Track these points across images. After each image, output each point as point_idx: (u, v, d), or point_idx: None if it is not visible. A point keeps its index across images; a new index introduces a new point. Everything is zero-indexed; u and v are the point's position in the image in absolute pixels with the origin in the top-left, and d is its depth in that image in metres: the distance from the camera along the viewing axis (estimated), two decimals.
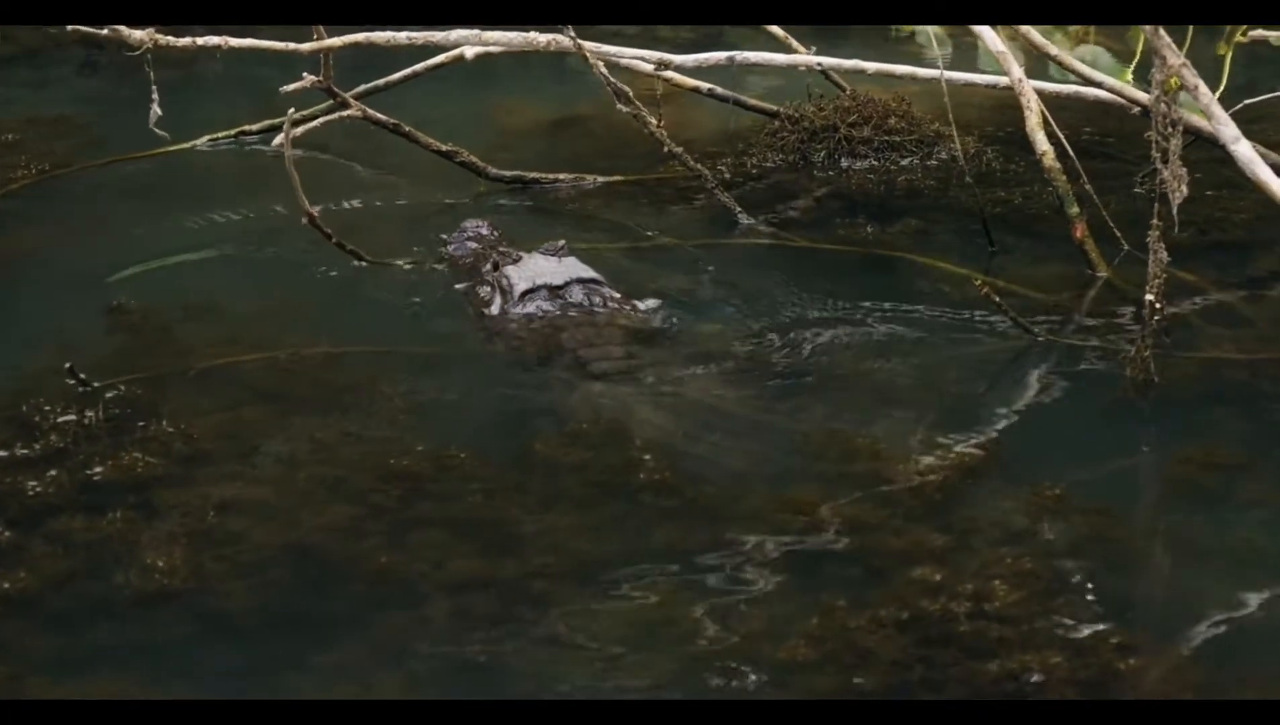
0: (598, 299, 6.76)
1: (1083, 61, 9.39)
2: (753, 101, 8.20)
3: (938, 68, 7.42)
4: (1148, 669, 4.94)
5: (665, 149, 7.47)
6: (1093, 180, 7.37)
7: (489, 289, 6.86)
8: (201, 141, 8.19)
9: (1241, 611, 5.27)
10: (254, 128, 8.23)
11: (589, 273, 6.84)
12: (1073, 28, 9.94)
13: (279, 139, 6.88)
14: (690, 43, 9.57)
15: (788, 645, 5.03)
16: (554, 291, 6.77)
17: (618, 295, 6.79)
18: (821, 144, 8.05)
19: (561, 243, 6.95)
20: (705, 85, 7.98)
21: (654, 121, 7.34)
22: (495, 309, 6.78)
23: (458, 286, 7.00)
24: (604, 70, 7.17)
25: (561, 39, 7.15)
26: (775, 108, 8.19)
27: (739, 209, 7.53)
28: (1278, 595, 5.33)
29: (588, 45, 7.52)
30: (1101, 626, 5.11)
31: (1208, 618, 5.24)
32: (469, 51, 7.33)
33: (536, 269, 6.82)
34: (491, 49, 7.32)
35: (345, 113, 7.31)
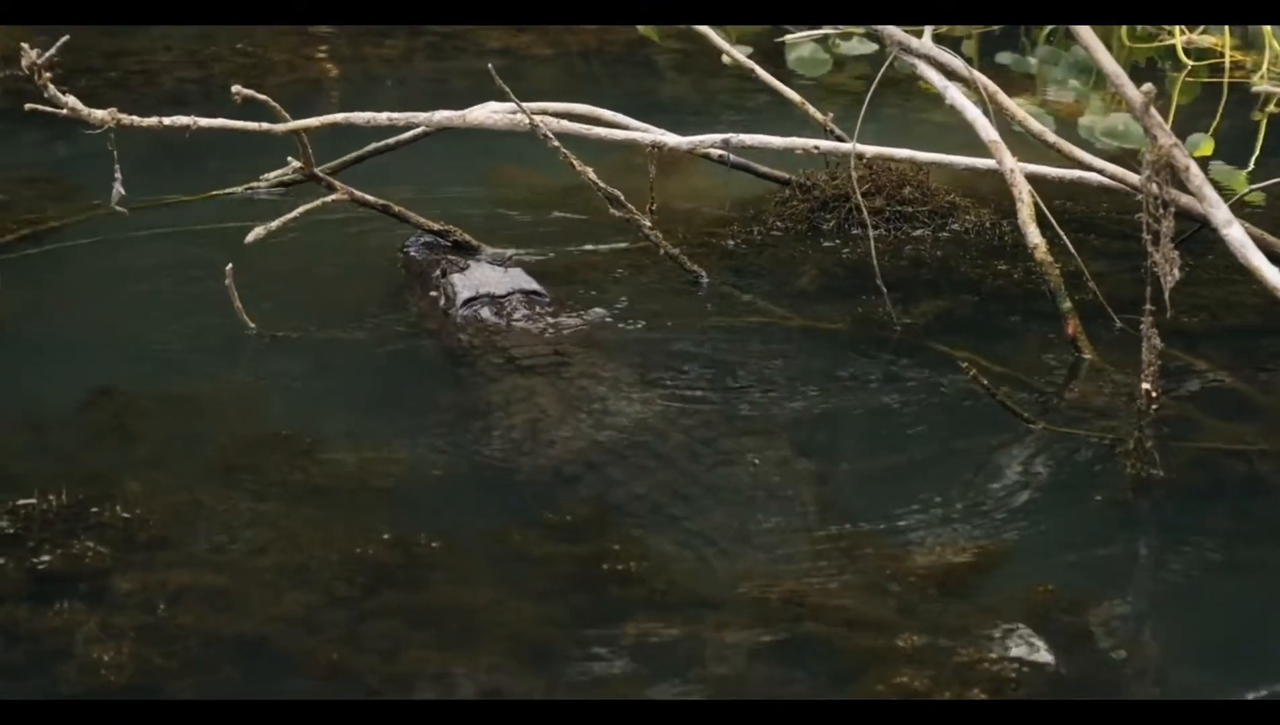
0: (539, 310, 6.84)
1: (1112, 134, 9.21)
2: (763, 169, 7.99)
3: (966, 132, 7.24)
4: None
5: (661, 251, 7.32)
6: (1106, 260, 7.18)
7: (435, 295, 6.95)
8: (210, 196, 8.06)
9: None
10: (263, 183, 8.02)
11: (532, 285, 6.97)
12: (1109, 96, 9.73)
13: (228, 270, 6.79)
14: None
15: None
16: (496, 301, 6.87)
17: (558, 307, 6.90)
18: (832, 213, 7.84)
19: (509, 253, 7.13)
20: (716, 151, 7.76)
21: (648, 223, 7.26)
22: (439, 316, 6.87)
23: (406, 292, 7.09)
24: (592, 175, 7.12)
25: (549, 120, 7.04)
26: (787, 176, 7.99)
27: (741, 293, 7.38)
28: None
29: (608, 117, 7.42)
30: None
31: None
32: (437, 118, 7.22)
33: (481, 278, 6.96)
34: (491, 124, 7.18)
35: (330, 197, 7.14)
